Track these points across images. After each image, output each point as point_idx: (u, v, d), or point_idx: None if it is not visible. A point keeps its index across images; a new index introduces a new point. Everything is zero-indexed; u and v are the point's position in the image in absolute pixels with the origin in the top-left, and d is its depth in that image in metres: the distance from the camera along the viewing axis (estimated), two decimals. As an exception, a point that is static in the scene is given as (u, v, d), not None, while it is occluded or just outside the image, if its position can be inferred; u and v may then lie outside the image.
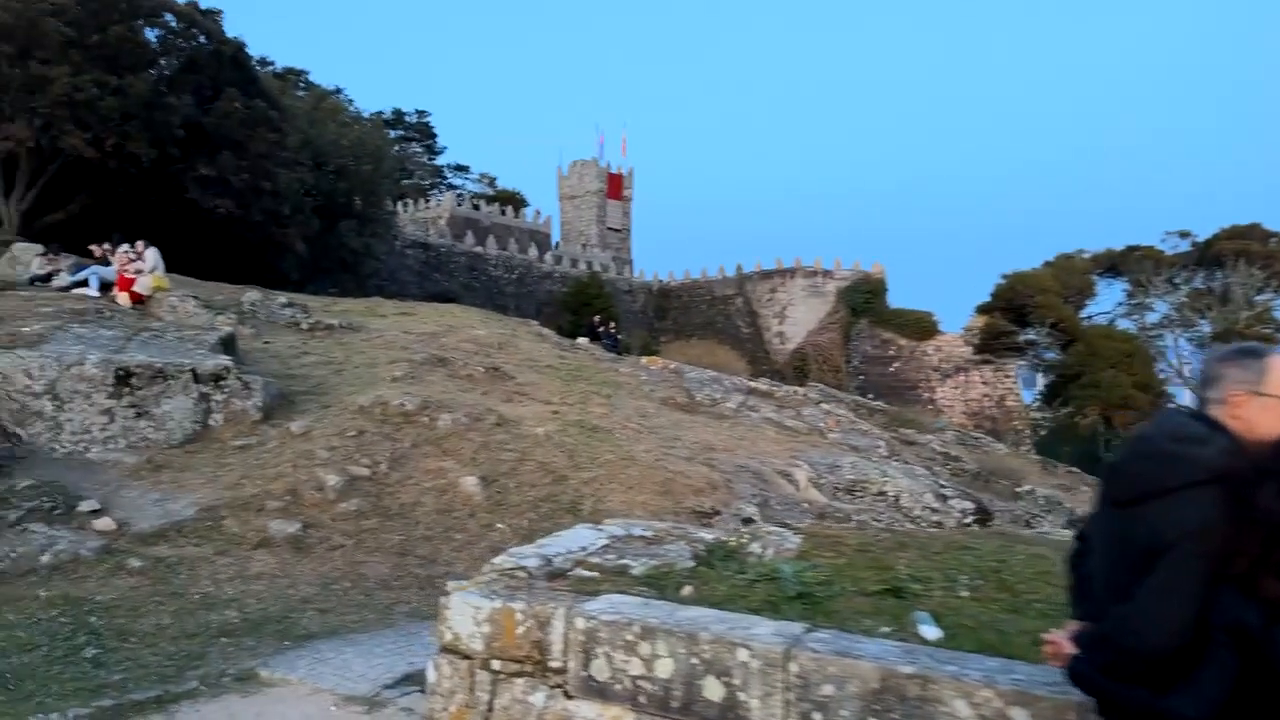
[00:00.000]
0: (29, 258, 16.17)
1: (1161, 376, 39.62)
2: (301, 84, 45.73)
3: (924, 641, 2.94)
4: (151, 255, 13.95)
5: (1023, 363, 42.95)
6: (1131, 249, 44.76)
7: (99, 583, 6.80)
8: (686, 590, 3.61)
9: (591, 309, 35.78)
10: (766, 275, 50.78)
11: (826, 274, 48.98)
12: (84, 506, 7.82)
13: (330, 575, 7.61)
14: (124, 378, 9.28)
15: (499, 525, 8.98)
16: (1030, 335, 40.35)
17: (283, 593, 7.15)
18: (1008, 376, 49.89)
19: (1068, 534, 5.91)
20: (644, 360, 18.54)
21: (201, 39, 22.52)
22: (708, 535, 4.52)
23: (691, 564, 4.00)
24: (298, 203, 24.59)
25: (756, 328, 49.80)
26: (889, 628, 3.05)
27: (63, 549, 7.09)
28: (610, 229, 72.11)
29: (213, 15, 23.12)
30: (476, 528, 8.89)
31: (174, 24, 22.09)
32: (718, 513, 9.99)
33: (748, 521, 10.11)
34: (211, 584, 7.10)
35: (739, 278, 52.42)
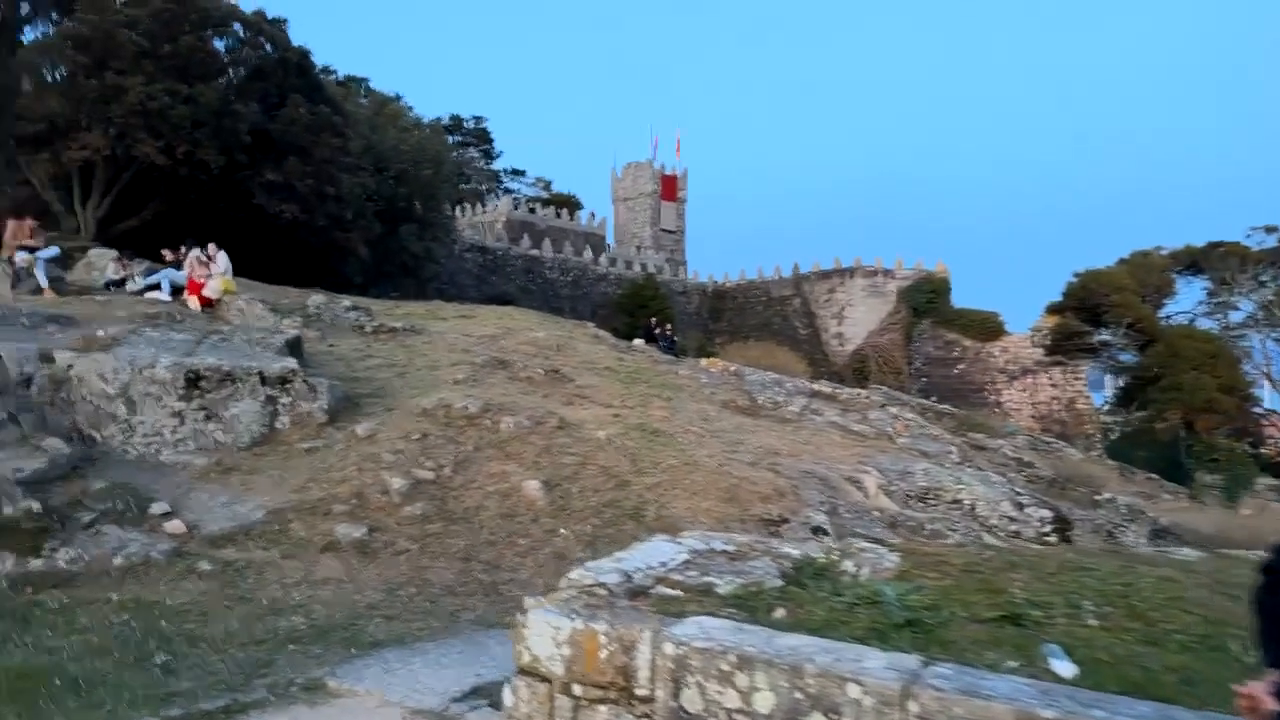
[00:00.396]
0: (104, 263, 16.63)
1: (1247, 378, 37.68)
2: (363, 92, 46.63)
3: (1058, 679, 2.62)
4: (222, 259, 14.20)
5: (1096, 364, 41.30)
6: (1214, 245, 42.67)
7: (169, 586, 6.82)
8: (779, 613, 3.35)
9: (647, 311, 35.60)
10: (825, 275, 49.91)
11: (887, 273, 47.89)
12: (155, 509, 7.88)
13: (396, 581, 7.52)
14: (194, 380, 9.37)
15: (562, 531, 8.82)
16: (1105, 336, 38.74)
17: (349, 599, 7.08)
18: (1077, 379, 48.17)
19: (1191, 554, 5.46)
20: (703, 362, 18.26)
21: (267, 47, 23.05)
22: (793, 550, 4.24)
23: (780, 583, 3.73)
24: (360, 207, 24.94)
25: (814, 329, 48.99)
26: (1015, 661, 2.74)
27: (134, 551, 7.13)
28: (664, 230, 71.85)
29: (278, 24, 23.63)
30: (540, 533, 8.74)
31: (242, 33, 22.66)
32: (785, 520, 9.67)
33: (818, 531, 9.77)
34: (279, 589, 7.07)
35: (796, 278, 51.64)
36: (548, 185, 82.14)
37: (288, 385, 9.89)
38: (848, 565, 3.91)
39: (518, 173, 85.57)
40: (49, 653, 5.39)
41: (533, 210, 61.62)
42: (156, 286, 14.19)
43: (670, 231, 72.49)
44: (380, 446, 9.64)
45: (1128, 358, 38.97)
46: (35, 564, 6.67)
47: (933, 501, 12.45)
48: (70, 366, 8.87)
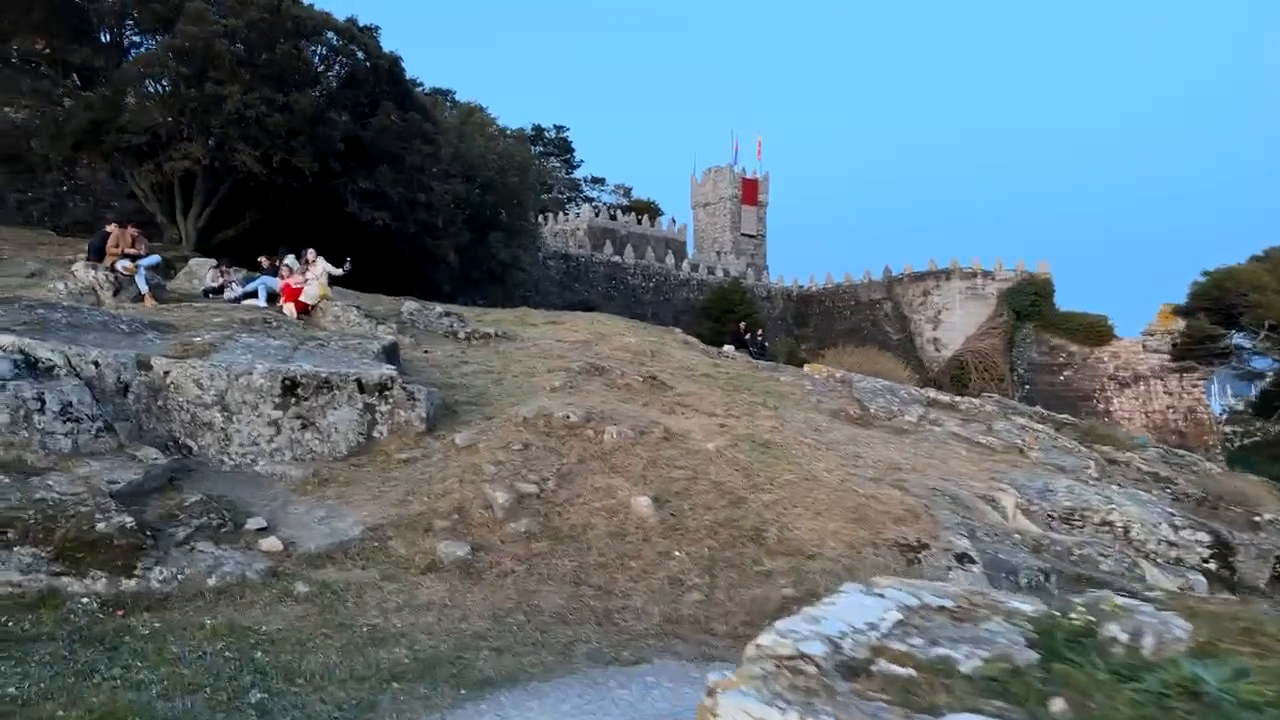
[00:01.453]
0: (204, 271, 16.75)
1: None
2: (449, 103, 47.13)
3: None
4: (321, 265, 13.99)
5: (1230, 370, 38.19)
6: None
7: (265, 610, 6.31)
8: (1058, 705, 2.46)
9: (733, 316, 34.61)
10: (918, 277, 47.86)
11: (987, 275, 45.55)
12: (251, 524, 7.44)
13: (503, 606, 6.87)
14: (290, 388, 8.97)
15: (676, 553, 8.04)
16: (1239, 339, 35.71)
17: (454, 626, 6.46)
18: (1195, 386, 44.93)
19: None
20: (807, 368, 17.24)
21: (359, 55, 23.18)
22: (1024, 605, 3.32)
23: (1033, 655, 2.82)
24: (450, 215, 24.84)
25: (908, 333, 47.04)
26: None
27: (229, 570, 6.67)
28: (745, 235, 70.82)
29: (370, 31, 23.76)
30: (652, 554, 7.98)
31: (335, 41, 22.84)
32: (925, 546, 8.65)
33: (963, 559, 8.72)
34: (379, 614, 6.49)
35: (887, 280, 49.75)
36: (628, 192, 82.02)
37: (386, 393, 9.42)
38: (1115, 630, 2.98)
39: (598, 180, 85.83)
40: (137, 688, 4.89)
41: (613, 217, 61.42)
42: (253, 294, 14.08)
43: (751, 236, 71.41)
44: (481, 457, 9.06)
45: (1264, 363, 35.81)
46: (128, 584, 6.25)
47: (1078, 523, 11.19)
48: (167, 373, 8.57)
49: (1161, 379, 44.68)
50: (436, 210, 23.73)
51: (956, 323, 45.10)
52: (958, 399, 16.22)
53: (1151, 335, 45.56)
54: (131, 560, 6.43)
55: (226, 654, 5.57)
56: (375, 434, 9.34)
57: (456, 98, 51.97)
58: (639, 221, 62.40)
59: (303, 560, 7.12)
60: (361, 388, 9.30)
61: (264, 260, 15.29)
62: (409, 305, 16.57)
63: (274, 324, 12.02)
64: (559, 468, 9.06)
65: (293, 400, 8.96)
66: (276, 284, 14.39)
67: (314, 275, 13.80)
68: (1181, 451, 22.61)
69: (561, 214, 62.02)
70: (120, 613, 6.00)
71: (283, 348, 10.07)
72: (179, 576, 6.47)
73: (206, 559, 6.76)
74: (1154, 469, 17.76)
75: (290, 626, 6.11)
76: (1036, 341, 43.91)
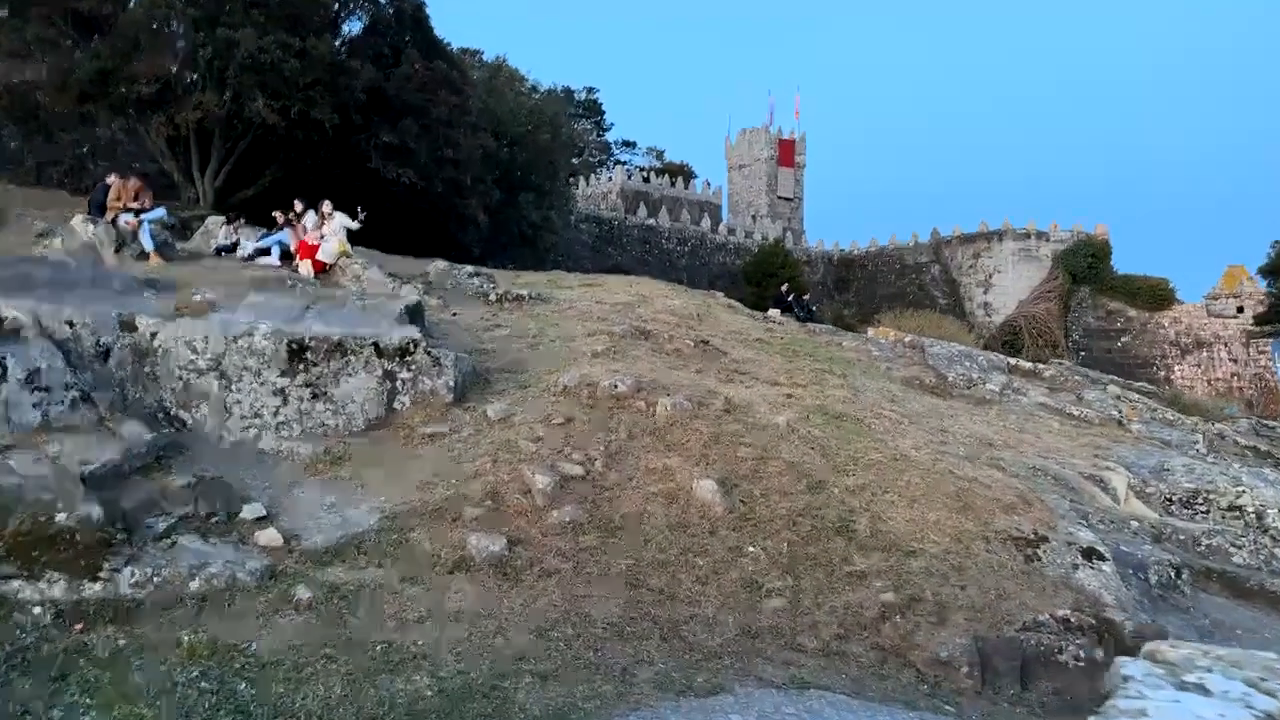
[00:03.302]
0: (219, 230, 15.63)
1: None
2: (476, 64, 45.56)
3: None
4: (339, 219, 12.75)
5: None
6: None
7: (257, 623, 5.14)
8: None
9: (775, 280, 33.01)
10: (968, 239, 45.63)
11: (1040, 236, 43.20)
12: (248, 512, 6.27)
13: (547, 617, 5.64)
14: (298, 351, 7.78)
15: (749, 549, 6.75)
16: None
17: (489, 643, 5.24)
18: (1262, 352, 42.54)
19: None
20: (871, 332, 15.77)
21: (381, 0, 21.78)
22: None
23: None
24: (479, 172, 23.48)
25: (956, 297, 44.98)
26: None
27: (217, 571, 5.50)
28: (781, 198, 68.71)
29: (392, -25, 22.32)
30: (722, 550, 6.70)
31: (354, -17, 21.45)
32: (1044, 539, 7.27)
33: (1090, 554, 7.30)
34: (397, 627, 5.29)
35: (935, 243, 47.56)
36: (660, 155, 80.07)
37: (408, 358, 8.19)
38: None
39: (629, 144, 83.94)
40: (74, 744, 3.73)
41: (646, 180, 59.72)
42: (267, 251, 12.91)
43: (788, 199, 69.31)
44: (517, 433, 7.81)
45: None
46: (91, 589, 5.11)
47: (1201, 507, 9.71)
48: (154, 335, 7.39)
49: (1226, 344, 42.39)
50: (465, 167, 22.37)
51: (1009, 286, 42.93)
52: (1040, 365, 14.67)
53: (1215, 299, 43.18)
54: (98, 559, 5.28)
55: (203, 684, 4.40)
56: (396, 405, 8.14)
57: (484, 59, 50.37)
58: (672, 184, 60.61)
59: (306, 557, 5.94)
60: (380, 352, 8.08)
61: (279, 215, 14.08)
62: (437, 265, 15.36)
63: (288, 283, 10.83)
64: (607, 445, 7.79)
65: (301, 366, 7.76)
66: (291, 241, 13.20)
67: (331, 231, 12.57)
68: (1272, 422, 20.82)
69: (593, 177, 60.41)
70: (79, 627, 4.87)
71: (292, 307, 8.87)
72: (155, 579, 5.32)
73: (190, 557, 5.59)
74: (1252, 442, 16.09)
75: (286, 645, 4.93)
76: (1093, 306, 41.71)
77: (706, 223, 51.55)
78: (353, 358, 8.07)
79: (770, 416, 8.87)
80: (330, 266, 12.66)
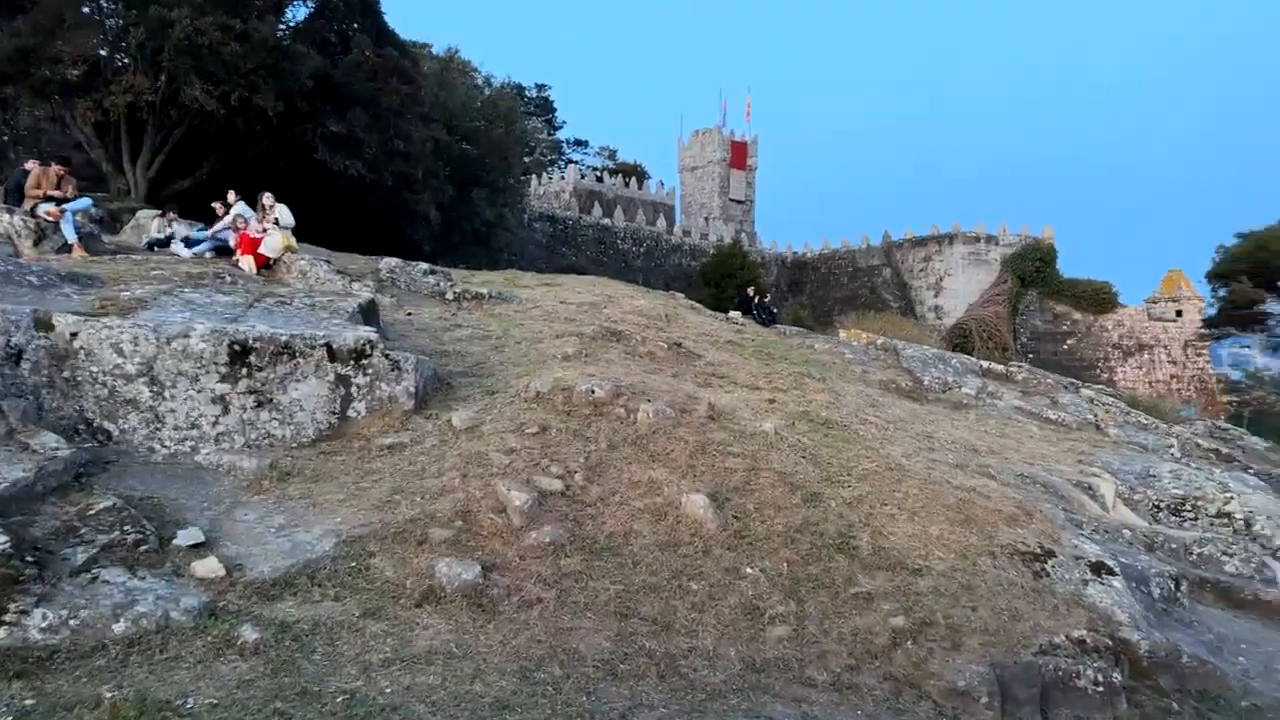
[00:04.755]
0: (151, 223, 14.55)
1: None
2: (427, 55, 44.39)
3: None
4: (282, 212, 11.87)
5: (1273, 337, 36.79)
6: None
7: (194, 672, 4.39)
8: None
9: (734, 281, 32.70)
10: (919, 242, 45.98)
11: (990, 240, 43.74)
12: (183, 539, 5.49)
13: (531, 655, 5.00)
14: (240, 354, 6.98)
15: (747, 570, 6.20)
16: (1274, 305, 34.22)
17: (465, 690, 4.58)
18: (1200, 354, 43.83)
19: None
20: (843, 334, 15.41)
21: (329, -16, 20.74)
22: None
23: None
24: (431, 166, 22.56)
25: (907, 300, 45.30)
26: None
27: (146, 610, 4.73)
28: (733, 200, 68.85)
29: (340, -42, 21.25)
30: (718, 573, 6.14)
31: (301, -34, 20.35)
32: (1050, 554, 6.87)
33: (1099, 569, 6.93)
34: (359, 673, 4.59)
35: (886, 246, 47.85)
36: (613, 154, 79.60)
37: (364, 361, 7.45)
38: None
39: (580, 143, 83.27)
40: None
41: (600, 179, 59.13)
42: (203, 243, 11.96)
43: (739, 201, 69.45)
44: (487, 444, 7.14)
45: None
46: (-8, 637, 4.30)
47: (1189, 514, 9.50)
48: (74, 335, 6.54)
49: (1166, 347, 43.51)
50: (416, 160, 21.43)
51: (959, 289, 43.38)
52: (1011, 368, 14.47)
53: (1156, 303, 44.29)
54: (1, 599, 4.47)
55: (126, 756, 3.66)
56: (351, 413, 7.39)
57: (434, 52, 49.20)
58: (626, 184, 60.15)
59: (252, 590, 5.19)
60: (333, 355, 7.32)
61: (218, 207, 13.11)
62: (388, 262, 14.53)
63: (227, 279, 9.96)
64: (587, 456, 7.17)
65: (244, 370, 6.97)
66: (231, 236, 12.27)
67: (275, 223, 11.68)
68: (1226, 425, 21.16)
69: (545, 175, 59.54)
70: (-26, 685, 4.06)
71: (233, 305, 8.05)
72: (71, 622, 4.53)
73: (114, 594, 4.81)
74: (1213, 445, 16.18)
75: (228, 698, 4.21)
76: (1040, 309, 42.39)
77: (662, 223, 51.16)
78: (302, 360, 7.30)
79: (756, 423, 8.36)
80: (274, 262, 11.78)
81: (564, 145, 79.56)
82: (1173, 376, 43.65)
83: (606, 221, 47.24)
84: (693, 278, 42.16)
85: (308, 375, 7.24)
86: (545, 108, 78.06)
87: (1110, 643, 6.16)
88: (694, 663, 5.27)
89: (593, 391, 8.03)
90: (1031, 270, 42.22)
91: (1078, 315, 42.72)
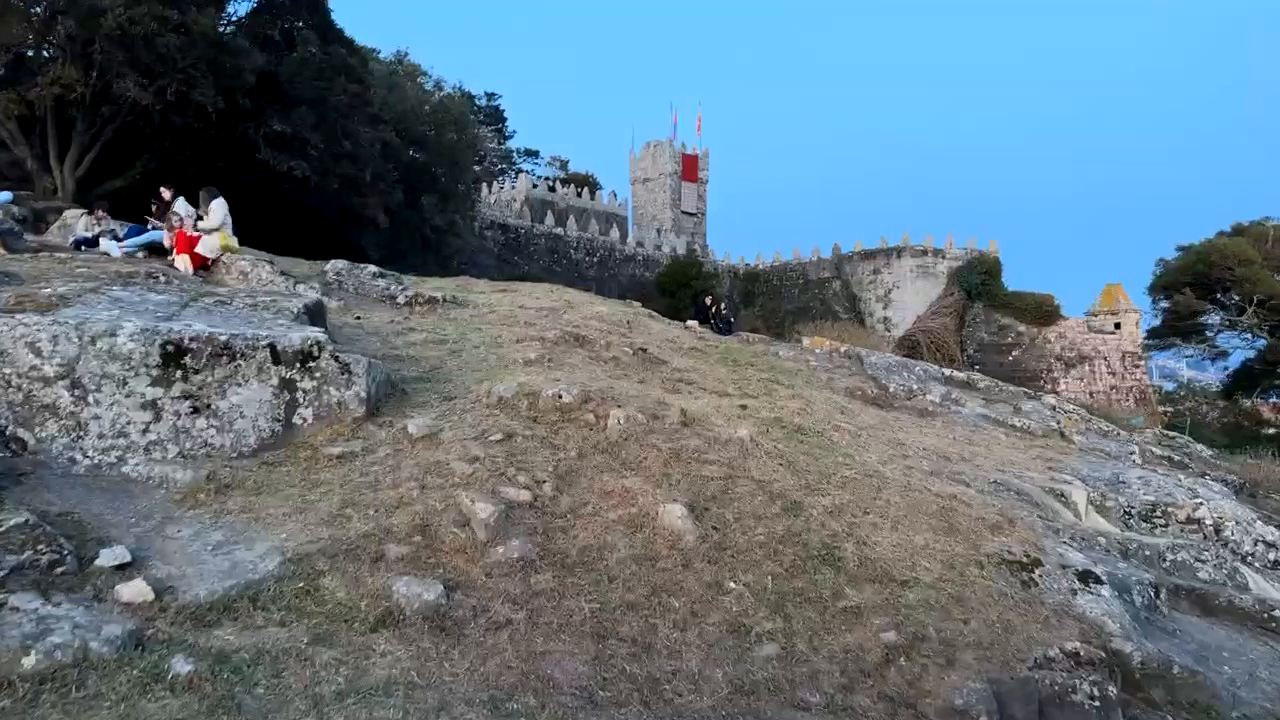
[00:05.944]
0: (79, 223, 13.67)
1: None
2: (375, 57, 43.47)
3: None
4: (218, 208, 11.20)
5: (1214, 347, 37.83)
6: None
7: (116, 712, 3.83)
8: None
9: (689, 290, 32.52)
10: (869, 255, 46.55)
11: (937, 253, 44.50)
12: (106, 559, 4.89)
13: (500, 683, 4.53)
14: (174, 355, 6.38)
15: (730, 585, 5.82)
16: (1212, 317, 35.17)
17: (429, 726, 4.09)
18: (1137, 365, 45.12)
19: None
20: (806, 342, 15.24)
21: (274, -22, 19.96)
22: None
23: None
24: (380, 169, 21.85)
25: (857, 312, 45.77)
26: None
27: (62, 642, 4.14)
28: (684, 212, 69.04)
29: (286, -46, 20.47)
30: (699, 588, 5.74)
31: (244, -42, 19.54)
32: (1037, 563, 6.65)
33: (1086, 578, 6.73)
34: (308, 707, 4.08)
35: (836, 258, 48.33)
36: (565, 164, 79.20)
37: (311, 364, 6.89)
38: None
39: (531, 153, 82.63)
40: None
41: (552, 189, 58.62)
42: (136, 241, 11.21)
43: (691, 214, 69.66)
44: (448, 452, 6.64)
45: (1229, 340, 35.38)
46: None
47: (1160, 520, 9.44)
48: (-17, 333, 5.87)
49: (1105, 359, 44.67)
50: (364, 162, 20.71)
51: (907, 301, 43.99)
52: (974, 376, 14.43)
53: (1095, 315, 45.49)
54: (-115, 634, 3.85)
55: (31, 819, 3.10)
56: (296, 420, 6.82)
57: (381, 57, 48.27)
58: (579, 194, 59.73)
59: (185, 616, 4.62)
60: (277, 356, 6.76)
61: (155, 205, 12.35)
62: (336, 264, 13.89)
63: (161, 278, 9.28)
64: (555, 465, 6.72)
65: (178, 373, 6.37)
66: (166, 237, 11.56)
67: (213, 222, 11.02)
68: (1173, 433, 21.57)
69: (497, 184, 58.82)
70: None
71: (167, 303, 7.42)
72: (-29, 658, 3.92)
73: (24, 623, 4.21)
74: (1165, 452, 16.38)
75: (158, 744, 3.66)
76: (986, 321, 43.21)
77: (615, 234, 50.89)
78: (243, 363, 6.72)
79: (729, 430, 8.01)
80: (212, 262, 11.12)
81: (515, 155, 78.92)
82: (1112, 387, 44.83)
83: (559, 231, 46.79)
84: (647, 288, 41.94)
85: (249, 379, 6.66)
86: (496, 117, 77.33)
87: (1104, 655, 5.93)
88: (679, 686, 4.86)
89: (560, 396, 7.60)
90: (977, 283, 43.03)
91: (1022, 327, 43.64)
